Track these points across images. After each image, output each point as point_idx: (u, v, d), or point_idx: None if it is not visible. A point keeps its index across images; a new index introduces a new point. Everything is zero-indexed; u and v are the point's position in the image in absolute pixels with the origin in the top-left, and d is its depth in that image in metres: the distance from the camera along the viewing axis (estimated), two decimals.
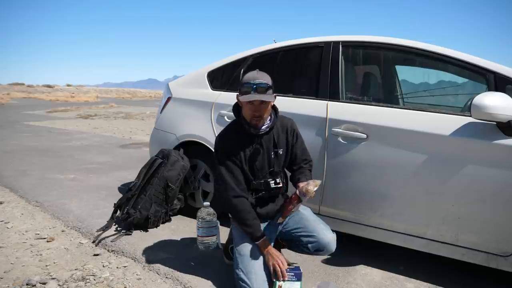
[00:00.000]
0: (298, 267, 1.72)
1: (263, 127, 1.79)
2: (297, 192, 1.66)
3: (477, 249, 1.84)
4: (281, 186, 1.85)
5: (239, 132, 1.80)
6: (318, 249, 1.75)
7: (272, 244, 1.82)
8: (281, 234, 1.88)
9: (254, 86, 1.67)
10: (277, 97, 1.81)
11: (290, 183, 1.95)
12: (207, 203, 2.16)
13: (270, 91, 1.71)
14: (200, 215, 2.13)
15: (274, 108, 1.87)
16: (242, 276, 1.63)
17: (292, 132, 1.87)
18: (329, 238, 1.74)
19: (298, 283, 1.67)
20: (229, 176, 1.76)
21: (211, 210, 2.16)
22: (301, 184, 1.68)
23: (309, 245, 1.74)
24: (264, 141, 1.81)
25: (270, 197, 1.86)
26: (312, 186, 1.61)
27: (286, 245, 1.93)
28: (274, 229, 1.87)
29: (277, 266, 1.65)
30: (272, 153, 1.82)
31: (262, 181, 1.81)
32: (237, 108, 1.84)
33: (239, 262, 1.69)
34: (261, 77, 1.69)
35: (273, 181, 1.81)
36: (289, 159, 1.90)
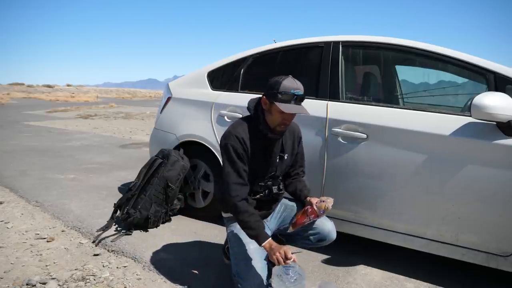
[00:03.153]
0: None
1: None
2: (315, 207, 1.67)
3: (477, 249, 1.84)
4: (282, 192, 1.85)
5: (253, 132, 1.70)
6: (320, 239, 1.77)
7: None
8: (280, 230, 1.88)
9: (295, 97, 1.60)
10: None
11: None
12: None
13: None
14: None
15: None
16: (239, 279, 1.62)
17: (298, 139, 1.88)
18: (329, 227, 1.77)
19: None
20: (235, 176, 1.65)
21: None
22: (316, 200, 1.69)
23: (311, 237, 1.77)
24: (274, 145, 1.77)
25: (268, 201, 1.82)
26: (330, 204, 1.65)
27: (285, 241, 1.93)
28: (272, 225, 1.87)
29: (278, 257, 1.49)
30: (278, 157, 1.79)
31: (263, 184, 1.77)
32: (256, 108, 1.74)
33: (234, 265, 1.68)
34: (300, 87, 1.64)
35: (276, 187, 1.79)
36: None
